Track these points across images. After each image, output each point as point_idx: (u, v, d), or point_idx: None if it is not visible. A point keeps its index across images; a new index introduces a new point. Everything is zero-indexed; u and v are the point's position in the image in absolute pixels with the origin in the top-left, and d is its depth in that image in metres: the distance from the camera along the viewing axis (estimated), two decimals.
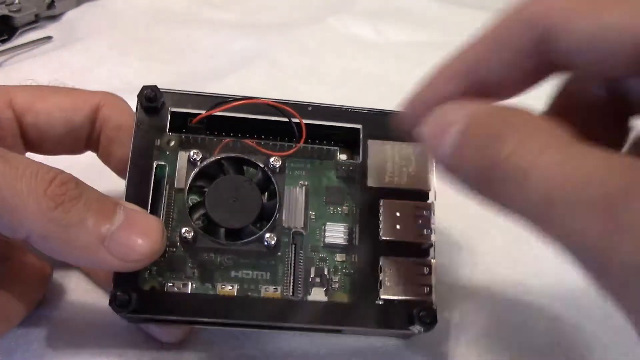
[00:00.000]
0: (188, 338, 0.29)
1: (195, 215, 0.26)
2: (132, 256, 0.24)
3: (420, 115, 0.21)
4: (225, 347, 0.29)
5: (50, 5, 0.51)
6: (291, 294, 0.26)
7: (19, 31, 0.49)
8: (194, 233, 0.26)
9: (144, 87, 0.27)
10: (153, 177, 0.26)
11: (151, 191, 0.26)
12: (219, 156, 0.27)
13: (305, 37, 0.52)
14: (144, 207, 0.26)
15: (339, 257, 0.27)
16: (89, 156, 0.31)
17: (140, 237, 0.24)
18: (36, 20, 0.50)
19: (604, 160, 0.16)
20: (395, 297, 0.26)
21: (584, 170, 0.16)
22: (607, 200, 0.16)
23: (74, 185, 0.23)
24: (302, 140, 0.28)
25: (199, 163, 0.27)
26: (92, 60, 0.47)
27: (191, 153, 0.27)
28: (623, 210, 0.15)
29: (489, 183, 0.19)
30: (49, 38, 0.49)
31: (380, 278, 0.26)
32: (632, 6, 0.18)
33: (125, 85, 0.44)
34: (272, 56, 0.50)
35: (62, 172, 0.23)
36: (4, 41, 0.48)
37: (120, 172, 0.31)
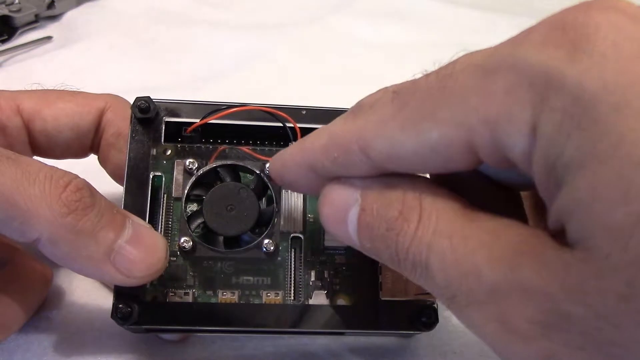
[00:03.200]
0: (189, 337, 0.29)
1: (194, 224, 0.26)
2: (135, 273, 0.23)
3: (297, 177, 0.22)
4: (225, 347, 0.30)
5: (50, 5, 0.51)
6: (292, 298, 0.26)
7: (19, 31, 0.49)
8: (192, 242, 0.26)
9: (137, 99, 0.26)
10: (150, 188, 0.26)
11: (149, 202, 0.26)
12: (214, 164, 0.27)
13: (305, 37, 0.52)
14: (142, 217, 0.26)
15: (338, 259, 0.27)
16: (89, 157, 0.31)
17: (146, 254, 0.23)
18: (36, 20, 0.50)
19: (489, 246, 0.17)
20: (396, 298, 0.26)
21: (473, 259, 0.17)
22: (493, 298, 0.16)
23: (89, 193, 0.23)
24: None
25: (195, 172, 0.27)
26: (92, 60, 0.47)
27: (187, 162, 0.27)
28: (506, 309, 0.16)
29: (401, 269, 0.19)
30: (49, 38, 0.49)
31: (380, 279, 0.27)
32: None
33: (126, 86, 0.44)
34: (272, 56, 0.50)
35: (76, 176, 0.23)
36: (4, 41, 0.48)
37: (116, 177, 0.31)
